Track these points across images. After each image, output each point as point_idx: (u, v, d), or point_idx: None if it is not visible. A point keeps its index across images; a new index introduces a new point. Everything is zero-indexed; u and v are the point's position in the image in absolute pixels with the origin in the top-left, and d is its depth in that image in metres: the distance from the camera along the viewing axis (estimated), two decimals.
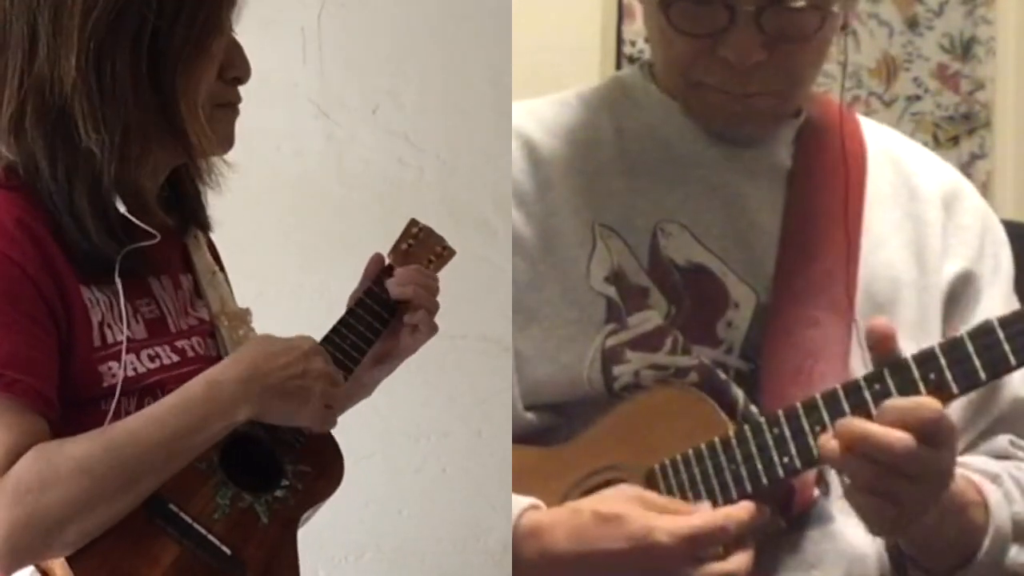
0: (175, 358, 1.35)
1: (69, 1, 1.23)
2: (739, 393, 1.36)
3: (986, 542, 1.29)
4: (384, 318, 1.45)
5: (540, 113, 1.49)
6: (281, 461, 1.35)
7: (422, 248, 1.54)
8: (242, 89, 2.49)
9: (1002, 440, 1.41)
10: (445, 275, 2.44)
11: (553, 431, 1.40)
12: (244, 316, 1.47)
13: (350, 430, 2.40)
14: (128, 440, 1.21)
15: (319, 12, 2.40)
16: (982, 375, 1.21)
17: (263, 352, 1.30)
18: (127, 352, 1.29)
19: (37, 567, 1.22)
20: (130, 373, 1.28)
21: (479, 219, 2.43)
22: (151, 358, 1.32)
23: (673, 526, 1.24)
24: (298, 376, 1.30)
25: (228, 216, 2.36)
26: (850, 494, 1.26)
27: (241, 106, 2.39)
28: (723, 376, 1.36)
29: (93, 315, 1.27)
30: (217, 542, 1.26)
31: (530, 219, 1.42)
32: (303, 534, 2.42)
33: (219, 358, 1.38)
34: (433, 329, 1.48)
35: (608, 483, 1.33)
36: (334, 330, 1.42)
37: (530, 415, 1.41)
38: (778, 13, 1.31)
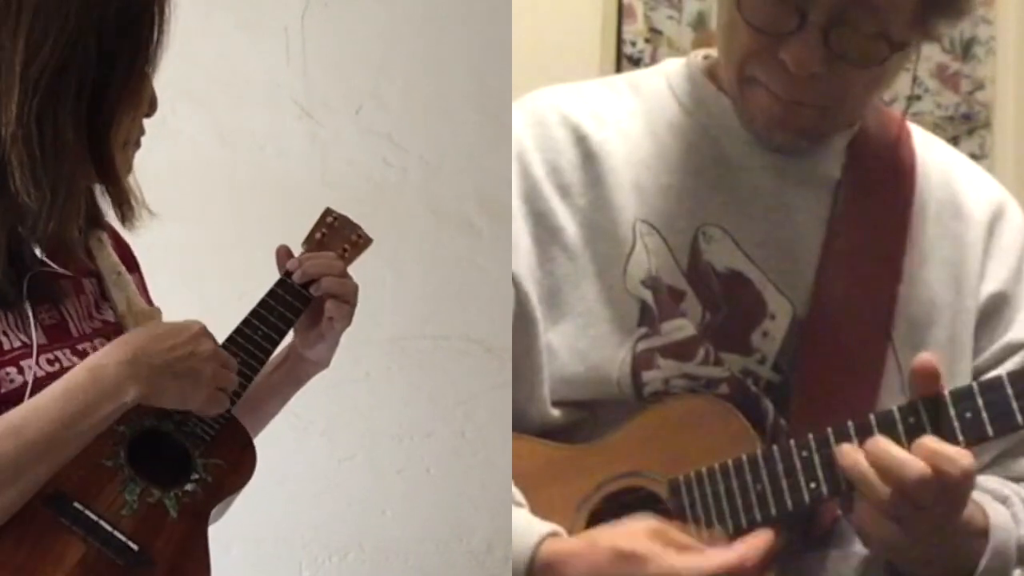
0: (75, 360, 1.31)
1: (9, 49, 1.20)
2: (769, 406, 1.34)
3: (983, 562, 1.28)
4: (296, 307, 1.45)
5: (591, 100, 1.45)
6: (191, 455, 1.34)
7: (336, 237, 1.53)
8: (227, 89, 2.50)
9: (1021, 464, 1.40)
10: (429, 276, 2.44)
11: (578, 427, 1.38)
12: (153, 314, 1.44)
13: (333, 430, 2.42)
14: (8, 432, 1.20)
15: (302, 13, 2.40)
16: (1019, 419, 1.20)
17: (148, 334, 1.29)
18: (26, 357, 1.27)
19: None
20: (28, 378, 1.27)
21: (463, 220, 2.43)
22: (50, 362, 1.30)
23: (694, 565, 1.22)
24: (186, 357, 1.28)
25: (212, 216, 2.37)
26: (858, 507, 1.26)
27: (225, 106, 2.40)
28: (754, 389, 1.35)
29: None
30: (124, 538, 1.25)
31: (574, 211, 1.39)
32: (288, 533, 2.43)
33: None
34: (347, 314, 1.48)
35: (630, 489, 1.32)
36: (244, 322, 1.42)
37: (556, 411, 1.38)
38: (846, 33, 1.28)
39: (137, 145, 1.33)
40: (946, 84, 2.94)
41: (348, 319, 1.48)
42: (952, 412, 1.21)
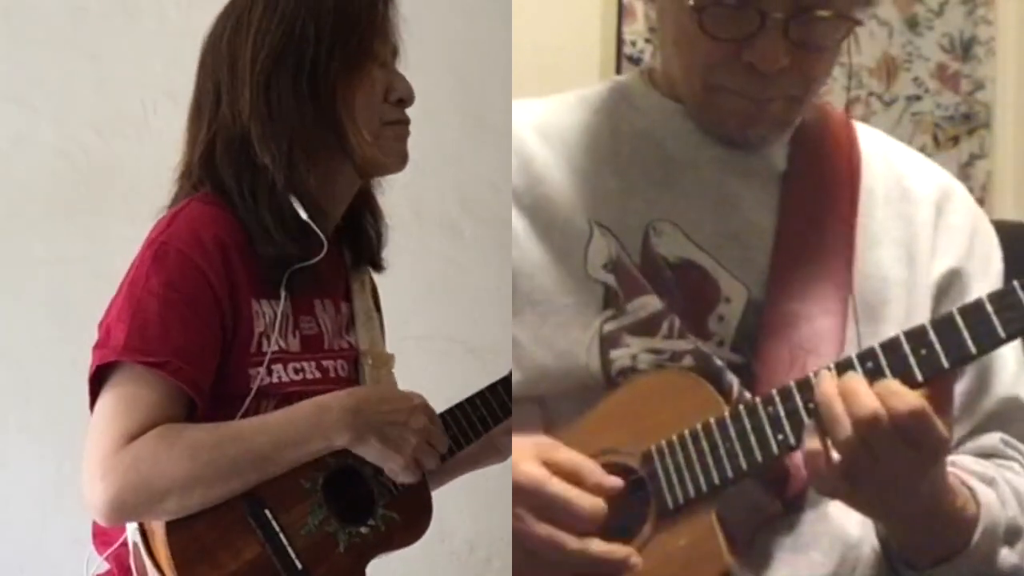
0: (318, 375, 1.53)
1: (241, 55, 1.49)
2: (733, 379, 1.37)
3: (976, 536, 1.30)
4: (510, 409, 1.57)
5: (537, 113, 1.51)
6: (376, 502, 1.50)
7: None
8: None
9: (992, 438, 1.42)
10: (411, 276, 2.44)
11: (552, 420, 1.41)
12: (388, 360, 1.64)
13: None
14: (235, 438, 1.41)
15: None
16: (971, 348, 1.22)
17: (376, 394, 1.50)
18: (277, 361, 1.48)
19: (140, 525, 1.41)
20: (275, 380, 1.48)
21: (445, 220, 2.43)
22: (296, 371, 1.50)
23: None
24: (399, 424, 1.47)
25: None
26: (810, 451, 1.26)
27: None
28: (718, 361, 1.38)
29: (256, 325, 1.47)
30: (293, 555, 1.42)
31: (523, 212, 1.44)
32: None
33: (358, 383, 1.58)
34: None
35: (605, 466, 1.34)
36: (468, 401, 1.58)
37: (529, 405, 1.42)
38: (806, 22, 1.33)
39: (400, 127, 1.57)
40: (946, 84, 2.95)
41: None
42: (907, 349, 1.24)
